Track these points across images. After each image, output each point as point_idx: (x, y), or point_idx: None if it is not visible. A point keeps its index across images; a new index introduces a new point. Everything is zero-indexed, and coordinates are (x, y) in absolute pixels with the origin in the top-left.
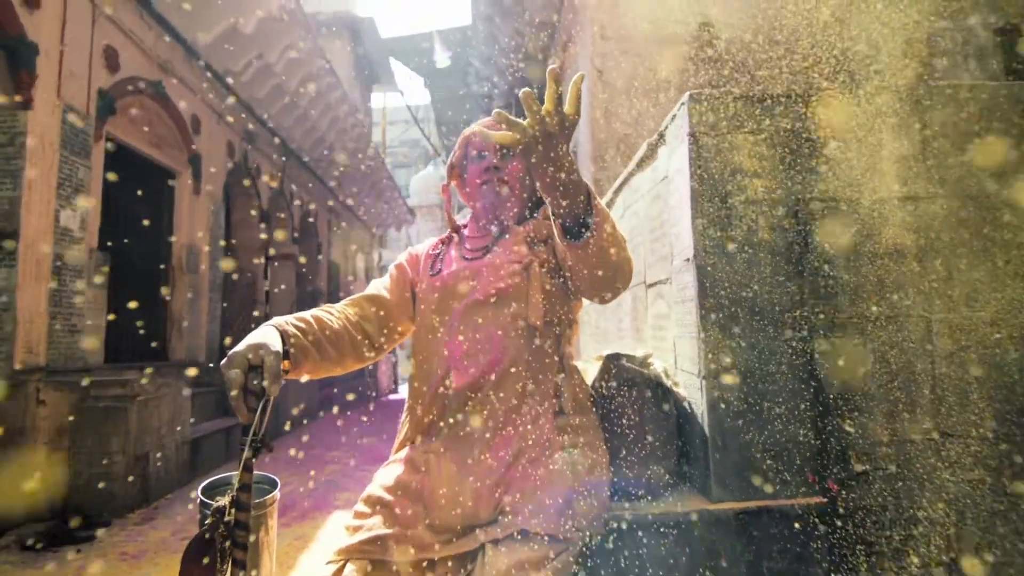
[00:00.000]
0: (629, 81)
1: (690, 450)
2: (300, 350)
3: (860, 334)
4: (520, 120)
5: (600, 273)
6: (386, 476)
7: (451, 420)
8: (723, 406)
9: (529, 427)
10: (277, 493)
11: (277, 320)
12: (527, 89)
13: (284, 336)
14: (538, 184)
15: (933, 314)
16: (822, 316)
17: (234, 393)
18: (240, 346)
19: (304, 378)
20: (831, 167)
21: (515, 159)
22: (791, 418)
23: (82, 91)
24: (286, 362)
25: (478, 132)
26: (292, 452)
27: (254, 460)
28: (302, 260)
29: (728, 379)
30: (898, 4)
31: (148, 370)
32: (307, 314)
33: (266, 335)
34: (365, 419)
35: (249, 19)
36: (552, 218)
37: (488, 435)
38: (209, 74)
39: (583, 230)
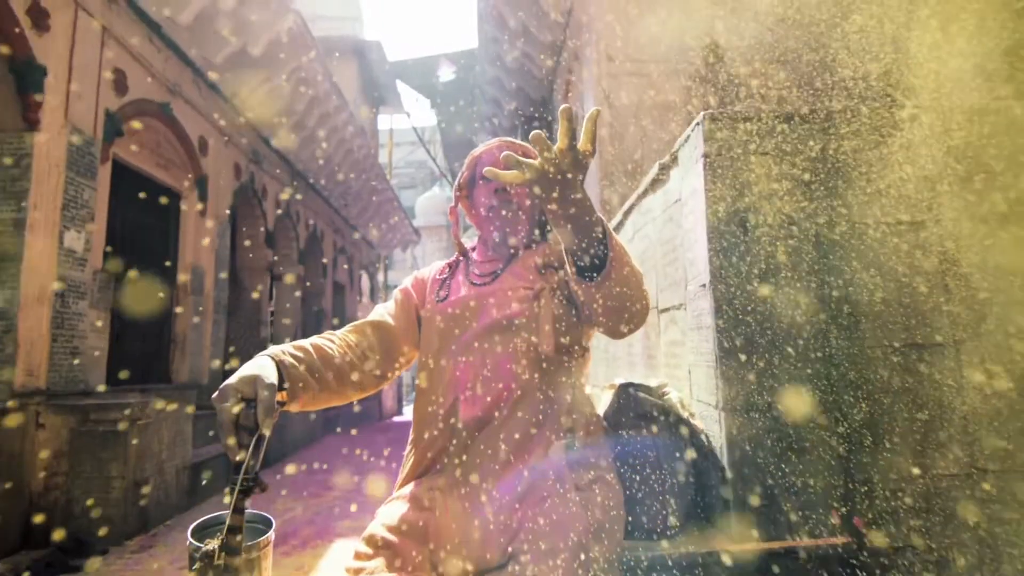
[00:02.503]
0: (636, 103)
1: (709, 486)
2: (298, 381)
3: (886, 364)
4: (530, 160)
5: (614, 310)
6: (389, 514)
7: (457, 454)
8: (743, 440)
9: (539, 462)
10: (271, 534)
11: (274, 349)
12: (537, 132)
13: (280, 366)
14: (550, 222)
15: (963, 343)
16: (846, 345)
17: (225, 429)
18: (232, 379)
19: (307, 409)
20: (856, 190)
21: None
22: (815, 453)
23: (89, 113)
24: (282, 393)
25: (487, 159)
26: (293, 476)
27: (246, 501)
28: (307, 281)
29: (748, 411)
30: (915, 23)
31: (154, 400)
32: (306, 342)
33: (261, 366)
34: (369, 442)
35: (257, 42)
36: (564, 254)
37: (497, 470)
38: (217, 96)
39: (598, 268)
